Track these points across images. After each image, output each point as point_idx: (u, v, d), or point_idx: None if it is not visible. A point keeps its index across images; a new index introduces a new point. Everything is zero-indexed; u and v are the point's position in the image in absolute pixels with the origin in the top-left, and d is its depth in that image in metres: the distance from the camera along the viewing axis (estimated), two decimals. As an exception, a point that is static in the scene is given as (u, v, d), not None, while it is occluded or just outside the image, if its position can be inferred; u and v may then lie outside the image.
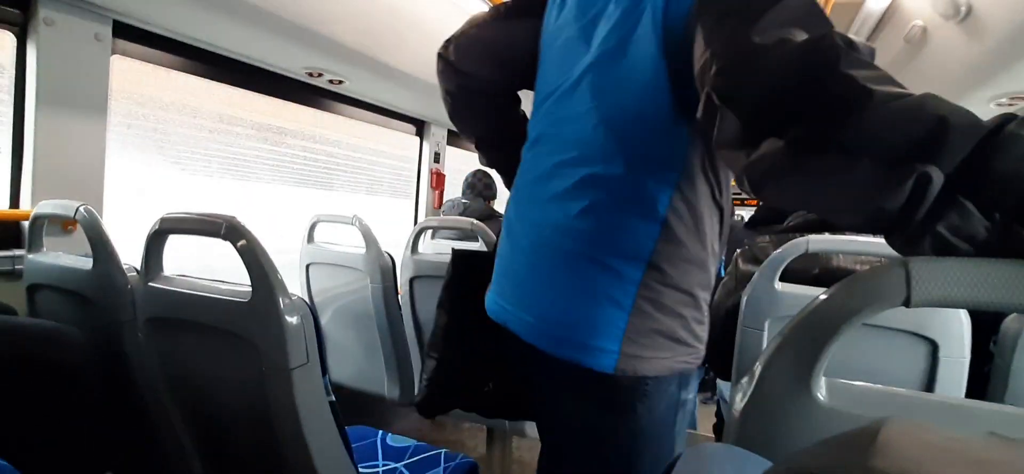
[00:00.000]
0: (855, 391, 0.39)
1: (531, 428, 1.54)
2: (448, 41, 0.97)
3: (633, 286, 0.66)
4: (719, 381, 2.18)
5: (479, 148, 1.09)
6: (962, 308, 0.35)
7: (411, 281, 1.58)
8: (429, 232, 2.36)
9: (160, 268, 0.87)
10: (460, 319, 0.96)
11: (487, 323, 0.83)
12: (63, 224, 1.27)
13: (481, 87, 0.98)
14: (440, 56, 0.98)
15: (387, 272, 1.63)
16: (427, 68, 2.04)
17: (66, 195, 1.27)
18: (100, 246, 0.99)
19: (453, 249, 1.01)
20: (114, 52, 1.41)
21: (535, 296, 0.74)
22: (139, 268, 0.89)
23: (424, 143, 2.80)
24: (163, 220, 0.83)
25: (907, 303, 0.34)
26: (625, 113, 0.69)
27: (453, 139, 2.97)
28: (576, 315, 0.69)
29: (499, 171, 1.10)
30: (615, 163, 0.69)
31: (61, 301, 1.10)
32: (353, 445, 1.32)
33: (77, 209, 1.03)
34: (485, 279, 0.89)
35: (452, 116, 1.06)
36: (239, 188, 1.95)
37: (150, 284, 0.86)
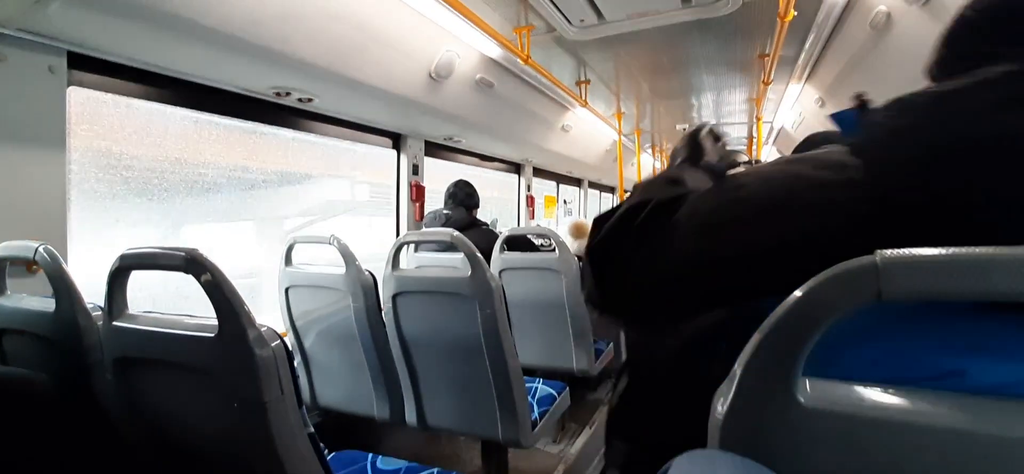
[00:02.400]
0: (839, 391, 0.38)
1: (526, 439, 1.52)
2: None
3: None
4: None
5: None
6: (936, 299, 0.34)
7: (394, 298, 1.56)
8: (411, 246, 2.34)
9: (124, 306, 0.84)
10: None
11: None
12: (26, 265, 1.23)
13: None
14: None
15: (368, 290, 1.60)
16: (397, 81, 2.05)
17: (28, 234, 1.22)
18: (62, 287, 0.95)
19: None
20: (70, 83, 1.37)
21: None
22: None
23: (401, 156, 2.78)
24: (123, 256, 0.80)
25: (879, 297, 0.33)
26: None
27: (431, 150, 2.95)
28: None
29: None
30: None
31: (29, 345, 1.05)
32: (343, 471, 1.29)
33: (36, 250, 0.99)
34: None
35: None
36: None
37: (114, 323, 0.83)
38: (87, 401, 0.97)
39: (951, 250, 0.33)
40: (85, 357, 0.96)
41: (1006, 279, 0.31)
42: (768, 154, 5.90)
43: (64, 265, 0.98)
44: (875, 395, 0.36)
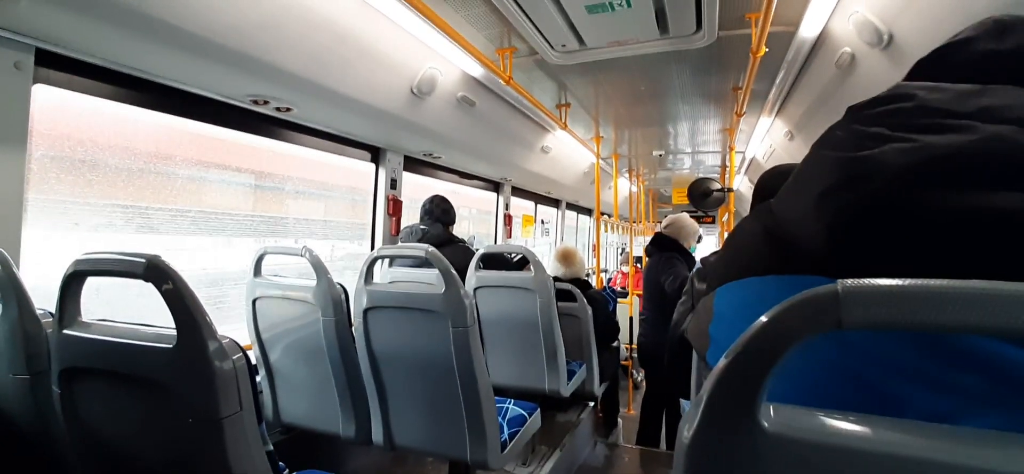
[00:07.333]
0: (802, 417, 0.39)
1: (494, 460, 1.50)
2: None
3: None
4: (681, 400, 2.20)
5: None
6: (894, 329, 0.35)
7: (365, 312, 1.53)
8: (385, 260, 2.31)
9: (77, 313, 0.80)
10: None
11: None
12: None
13: None
14: None
15: (339, 304, 1.57)
16: (379, 94, 2.04)
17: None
18: (11, 291, 0.91)
19: None
20: (36, 81, 1.32)
21: None
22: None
23: (380, 169, 2.76)
24: (78, 261, 0.77)
25: (839, 326, 0.34)
26: None
27: (410, 165, 2.94)
28: None
29: None
30: None
31: None
32: (302, 492, 1.25)
33: None
34: None
35: None
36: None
37: (65, 332, 0.78)
38: (28, 415, 0.91)
39: (908, 282, 0.33)
40: (32, 366, 0.91)
41: (959, 312, 0.32)
42: (739, 183, 6.07)
43: (15, 268, 0.93)
44: (836, 422, 0.37)
